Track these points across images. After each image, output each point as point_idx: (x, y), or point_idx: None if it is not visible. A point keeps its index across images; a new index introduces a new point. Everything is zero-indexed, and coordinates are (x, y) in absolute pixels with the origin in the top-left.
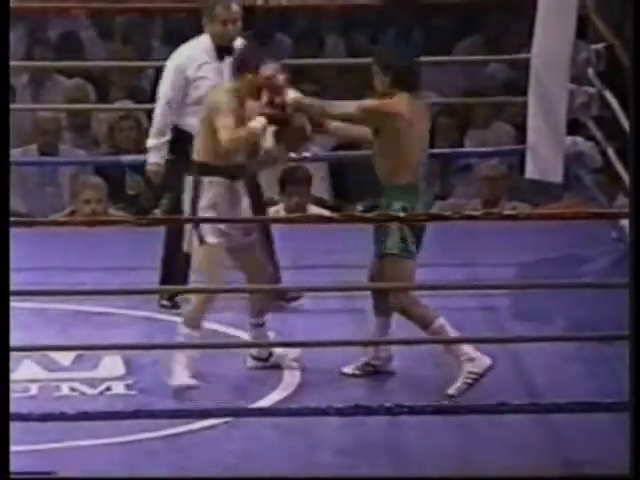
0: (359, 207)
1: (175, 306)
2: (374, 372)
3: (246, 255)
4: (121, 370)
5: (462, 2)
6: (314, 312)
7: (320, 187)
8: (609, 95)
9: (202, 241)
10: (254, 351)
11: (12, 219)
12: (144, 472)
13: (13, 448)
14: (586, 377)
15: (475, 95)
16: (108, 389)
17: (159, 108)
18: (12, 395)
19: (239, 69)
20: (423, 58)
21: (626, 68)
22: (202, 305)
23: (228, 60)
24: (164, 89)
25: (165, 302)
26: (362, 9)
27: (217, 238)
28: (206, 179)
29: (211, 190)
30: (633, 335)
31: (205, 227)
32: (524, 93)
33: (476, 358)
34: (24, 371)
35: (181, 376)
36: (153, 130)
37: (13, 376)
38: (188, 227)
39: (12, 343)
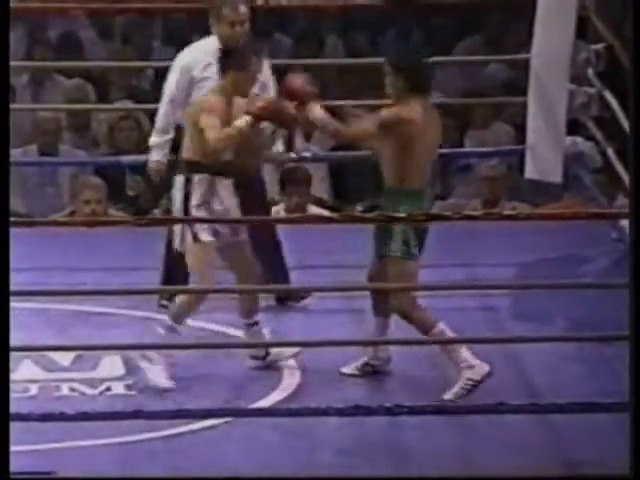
0: (359, 207)
1: None
2: (373, 372)
3: (235, 254)
4: (121, 370)
5: (462, 2)
6: (314, 312)
7: (320, 187)
8: (609, 95)
9: (196, 239)
10: (251, 350)
11: (12, 219)
12: (144, 472)
13: (13, 448)
14: (586, 377)
15: (475, 95)
16: (108, 389)
17: (163, 106)
18: (12, 395)
19: (225, 67)
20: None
21: (626, 68)
22: (191, 304)
23: None
24: (169, 88)
25: (165, 302)
26: (362, 9)
27: (211, 236)
28: (196, 177)
29: (201, 188)
30: (633, 335)
31: (198, 224)
32: (524, 93)
33: (475, 365)
34: (24, 371)
35: (159, 377)
36: (156, 128)
37: (13, 376)
38: (177, 226)
39: (12, 343)
